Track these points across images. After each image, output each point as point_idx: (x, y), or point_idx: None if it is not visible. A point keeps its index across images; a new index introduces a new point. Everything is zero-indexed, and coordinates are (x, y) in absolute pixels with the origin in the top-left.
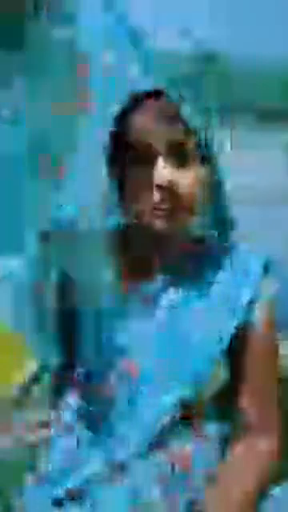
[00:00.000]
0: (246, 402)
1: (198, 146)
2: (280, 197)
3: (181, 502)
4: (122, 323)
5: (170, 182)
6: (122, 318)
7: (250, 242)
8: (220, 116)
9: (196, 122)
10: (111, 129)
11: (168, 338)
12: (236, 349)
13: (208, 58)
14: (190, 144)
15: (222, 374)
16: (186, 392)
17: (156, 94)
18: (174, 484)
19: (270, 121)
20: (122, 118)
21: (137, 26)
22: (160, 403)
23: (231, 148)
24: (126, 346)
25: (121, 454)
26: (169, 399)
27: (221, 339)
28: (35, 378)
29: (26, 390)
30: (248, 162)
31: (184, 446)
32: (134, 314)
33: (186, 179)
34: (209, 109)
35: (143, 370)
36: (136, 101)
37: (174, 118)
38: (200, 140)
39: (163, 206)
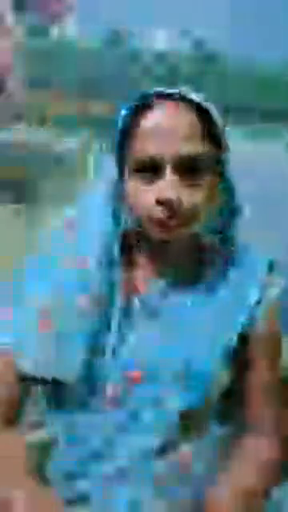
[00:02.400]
0: (252, 402)
1: (213, 156)
2: (281, 197)
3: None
4: (125, 332)
5: (175, 200)
6: (126, 327)
7: (250, 242)
8: (221, 116)
9: (219, 130)
10: (120, 128)
11: (172, 343)
12: (242, 349)
13: (208, 58)
14: (203, 155)
15: (226, 376)
16: (191, 397)
17: (175, 97)
18: (175, 485)
19: (271, 121)
20: (132, 118)
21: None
22: (165, 408)
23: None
24: (131, 353)
25: (124, 460)
26: (174, 404)
27: (229, 339)
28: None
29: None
30: (248, 162)
31: (186, 448)
32: (138, 320)
33: (195, 197)
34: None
35: (148, 376)
36: (150, 101)
37: (188, 126)
38: (217, 150)
39: (172, 222)
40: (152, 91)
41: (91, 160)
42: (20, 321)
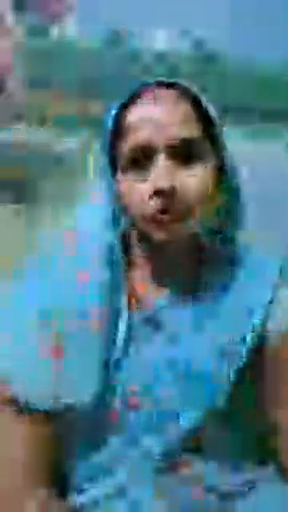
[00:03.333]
0: (273, 403)
1: (208, 141)
2: (281, 197)
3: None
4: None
5: (172, 187)
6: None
7: (250, 242)
8: (221, 116)
9: (210, 113)
10: (110, 124)
11: (173, 353)
12: (257, 351)
13: (208, 58)
14: (198, 140)
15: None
16: (197, 415)
17: (165, 85)
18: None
19: (271, 121)
20: (121, 111)
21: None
22: (169, 429)
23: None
24: (132, 372)
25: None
26: (178, 425)
27: (242, 340)
28: None
29: None
30: (248, 162)
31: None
32: (140, 328)
33: (193, 180)
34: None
35: (151, 397)
36: (138, 93)
37: (180, 111)
38: (211, 135)
39: (165, 217)
40: (138, 85)
41: (91, 160)
42: (22, 350)
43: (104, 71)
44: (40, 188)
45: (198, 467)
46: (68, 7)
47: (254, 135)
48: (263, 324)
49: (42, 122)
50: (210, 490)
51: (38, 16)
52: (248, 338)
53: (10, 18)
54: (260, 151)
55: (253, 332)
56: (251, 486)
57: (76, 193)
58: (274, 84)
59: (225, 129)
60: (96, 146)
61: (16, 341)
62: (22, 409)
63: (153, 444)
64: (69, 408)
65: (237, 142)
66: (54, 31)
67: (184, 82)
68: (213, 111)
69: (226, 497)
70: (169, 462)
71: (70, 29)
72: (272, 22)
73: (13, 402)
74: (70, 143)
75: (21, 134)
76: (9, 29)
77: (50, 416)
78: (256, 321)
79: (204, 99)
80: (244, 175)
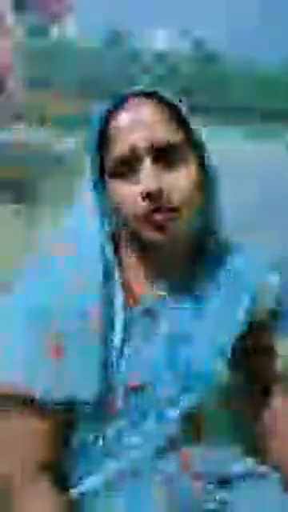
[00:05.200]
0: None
1: (189, 145)
2: (281, 197)
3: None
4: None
5: (159, 189)
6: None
7: (252, 242)
8: (221, 116)
9: (188, 120)
10: (96, 129)
11: (170, 349)
12: (248, 341)
13: (208, 58)
14: (180, 143)
15: (227, 377)
16: (192, 401)
17: (145, 94)
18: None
19: (271, 121)
20: (107, 117)
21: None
22: (166, 415)
23: (231, 149)
24: (131, 362)
25: (125, 462)
26: (174, 412)
27: (228, 340)
28: None
29: None
30: (248, 162)
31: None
32: (138, 327)
33: (178, 181)
34: (198, 108)
35: (149, 382)
36: (122, 101)
37: (162, 117)
38: (191, 139)
39: (158, 216)
40: (123, 92)
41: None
42: (29, 349)
43: (104, 71)
44: (40, 188)
45: (197, 455)
46: (68, 7)
47: (254, 135)
48: (251, 316)
49: (42, 121)
50: (207, 477)
51: (38, 16)
52: (238, 331)
53: (9, 18)
54: (260, 151)
55: (244, 322)
56: (249, 477)
57: (76, 193)
58: (274, 84)
59: (225, 129)
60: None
61: (16, 341)
62: (25, 406)
63: (153, 428)
64: (69, 407)
65: (237, 142)
66: (54, 31)
67: (162, 91)
68: (189, 117)
69: (223, 485)
70: (169, 446)
71: (69, 29)
72: (272, 22)
73: (16, 399)
74: (69, 143)
75: (21, 134)
76: (9, 29)
77: (51, 413)
78: (241, 320)
79: (182, 106)
80: (244, 175)
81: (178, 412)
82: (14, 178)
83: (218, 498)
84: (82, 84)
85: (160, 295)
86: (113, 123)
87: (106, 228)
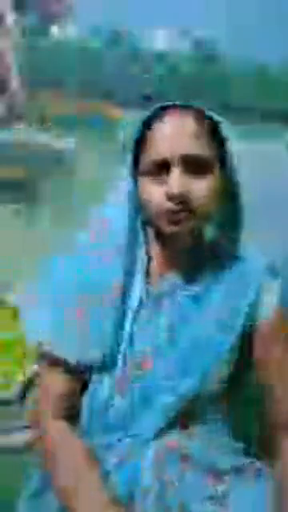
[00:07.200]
0: (271, 376)
1: (219, 158)
2: (281, 197)
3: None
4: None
5: (181, 194)
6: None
7: (251, 242)
8: (221, 116)
9: (222, 135)
10: (136, 133)
11: (175, 333)
12: (251, 331)
13: (208, 58)
14: (210, 156)
15: (227, 368)
16: (194, 385)
17: (185, 107)
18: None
19: (271, 121)
20: (146, 125)
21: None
22: (167, 398)
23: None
24: (140, 342)
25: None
26: (173, 397)
27: (238, 314)
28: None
29: (26, 388)
30: (248, 162)
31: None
32: (146, 311)
33: (201, 189)
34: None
35: (155, 365)
36: (161, 111)
37: (198, 131)
38: (221, 153)
39: (176, 217)
40: (162, 104)
41: (90, 160)
42: (56, 315)
43: (104, 71)
44: (40, 188)
45: (195, 444)
46: (68, 7)
47: (254, 135)
48: (250, 321)
49: (42, 121)
50: (206, 467)
51: (38, 16)
52: (242, 314)
53: (10, 18)
54: (260, 151)
55: (248, 307)
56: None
57: (75, 192)
58: (274, 84)
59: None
60: (95, 146)
61: (54, 308)
62: (55, 363)
63: (164, 401)
64: (88, 365)
65: (237, 142)
66: (54, 31)
67: (199, 105)
68: (225, 133)
69: (221, 476)
70: (176, 419)
71: (69, 29)
72: (272, 22)
73: (48, 357)
74: (69, 143)
75: (21, 133)
76: (9, 29)
77: (76, 371)
78: (242, 319)
79: (221, 121)
80: (244, 175)
81: (174, 398)
82: (13, 178)
83: (219, 489)
84: (82, 84)
85: (172, 282)
86: (153, 131)
87: (138, 214)
